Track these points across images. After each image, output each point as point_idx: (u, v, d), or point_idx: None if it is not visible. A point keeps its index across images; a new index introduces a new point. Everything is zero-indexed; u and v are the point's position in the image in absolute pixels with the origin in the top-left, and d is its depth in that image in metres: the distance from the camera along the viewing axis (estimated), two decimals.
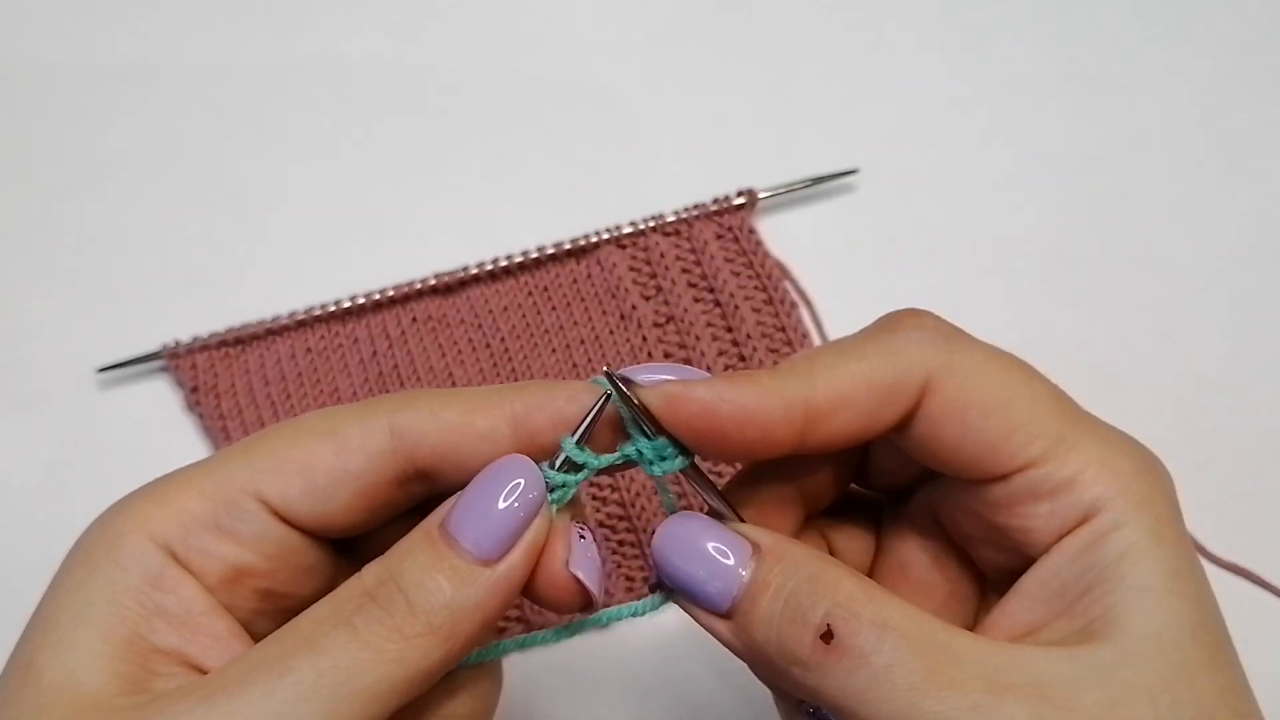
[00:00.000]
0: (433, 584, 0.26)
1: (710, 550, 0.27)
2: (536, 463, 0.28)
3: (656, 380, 0.27)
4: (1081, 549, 0.26)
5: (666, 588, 0.29)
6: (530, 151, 0.61)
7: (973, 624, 0.30)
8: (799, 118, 0.62)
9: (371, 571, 0.26)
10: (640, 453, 0.28)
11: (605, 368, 0.29)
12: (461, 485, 0.27)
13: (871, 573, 0.33)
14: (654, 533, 0.28)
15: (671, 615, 0.50)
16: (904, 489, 0.33)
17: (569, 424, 0.28)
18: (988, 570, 0.31)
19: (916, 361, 0.27)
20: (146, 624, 0.25)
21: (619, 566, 0.50)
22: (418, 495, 0.29)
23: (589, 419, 0.28)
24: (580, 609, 0.29)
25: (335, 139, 0.62)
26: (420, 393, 0.28)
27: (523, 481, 0.27)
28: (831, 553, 0.33)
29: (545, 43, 0.64)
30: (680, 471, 0.29)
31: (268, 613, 0.28)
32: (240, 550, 0.27)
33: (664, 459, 0.28)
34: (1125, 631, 0.25)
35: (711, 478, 0.30)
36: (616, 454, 0.28)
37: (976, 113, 0.62)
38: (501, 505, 0.26)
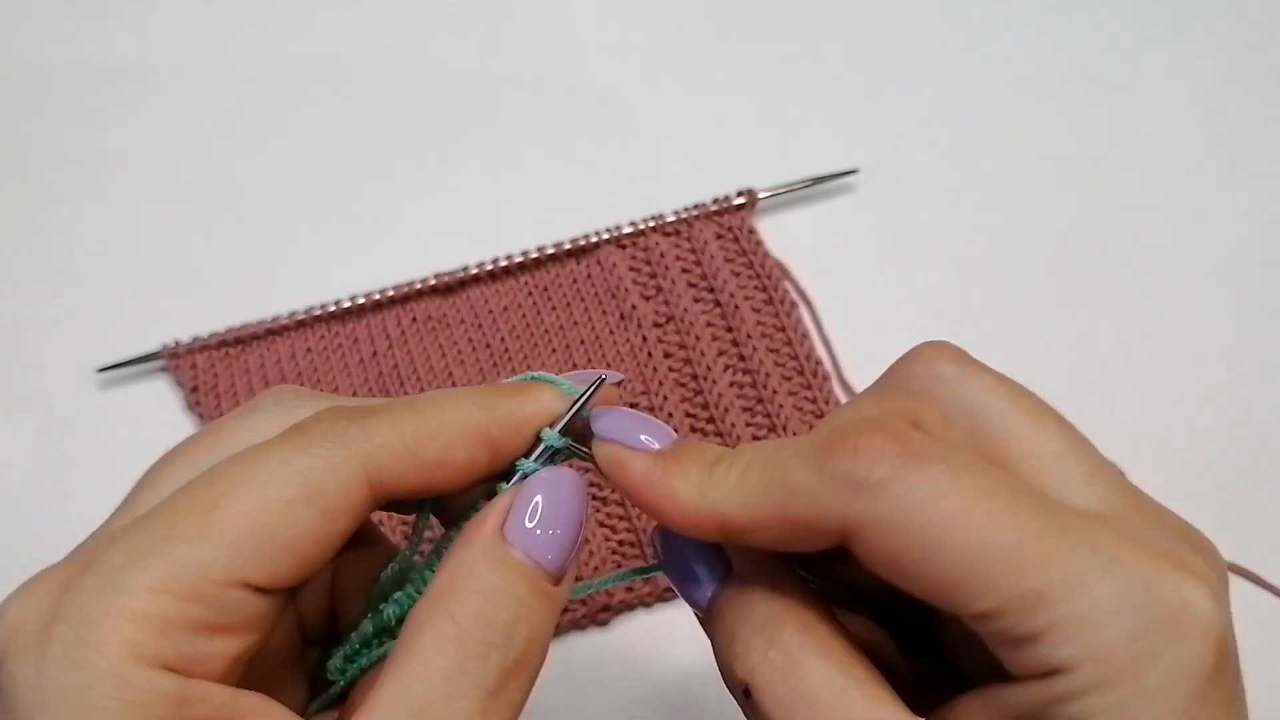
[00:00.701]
0: (539, 614, 0.25)
1: (691, 559, 0.27)
2: (515, 460, 0.27)
3: (611, 436, 0.27)
4: (1044, 699, 0.23)
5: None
6: (530, 151, 0.61)
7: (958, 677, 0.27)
8: (799, 118, 0.62)
9: (464, 614, 0.24)
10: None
11: (543, 434, 0.27)
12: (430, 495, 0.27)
13: None
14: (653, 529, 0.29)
15: (671, 616, 0.50)
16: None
17: (541, 425, 0.27)
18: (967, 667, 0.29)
19: (834, 509, 0.24)
20: None
21: (619, 566, 0.50)
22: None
23: (569, 415, 0.28)
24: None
25: (335, 139, 0.62)
26: (384, 419, 0.26)
27: (579, 496, 0.26)
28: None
29: (545, 43, 0.64)
30: None
31: (248, 667, 0.26)
32: (237, 640, 0.24)
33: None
34: None
35: None
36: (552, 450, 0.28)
37: (977, 113, 0.62)
38: (567, 519, 0.26)
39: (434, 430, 0.26)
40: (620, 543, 0.50)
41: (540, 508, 0.26)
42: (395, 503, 0.28)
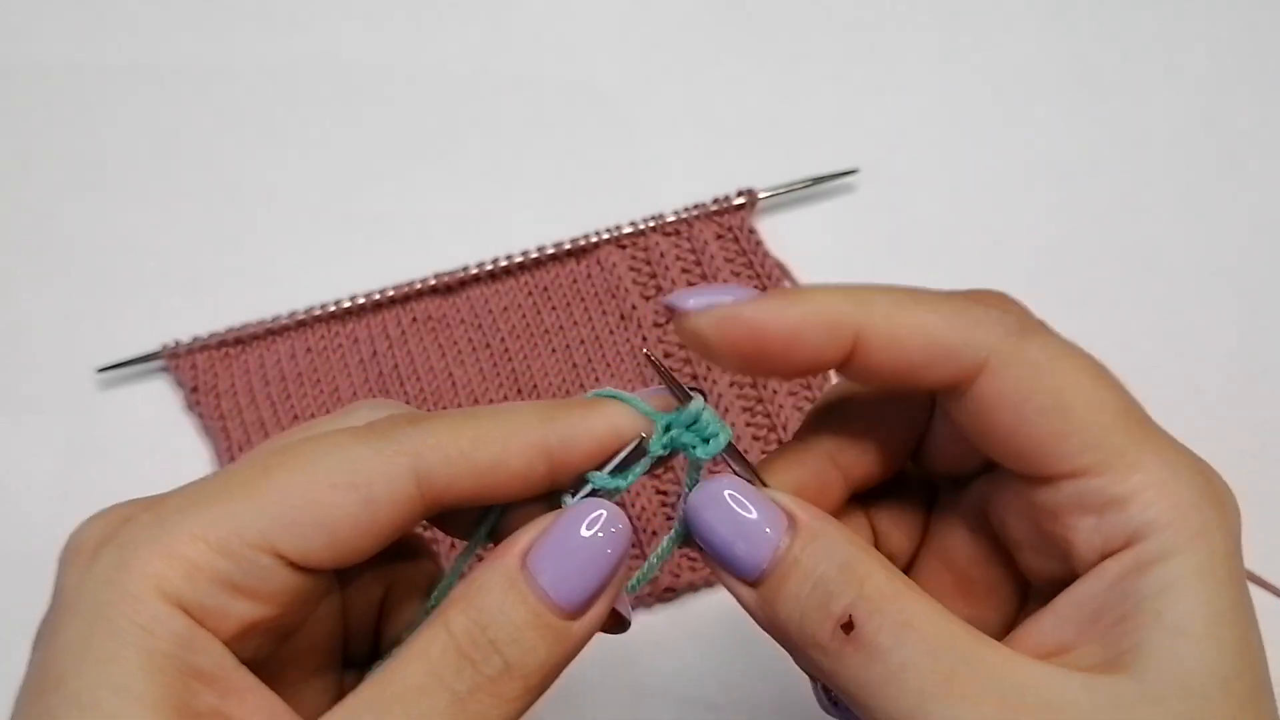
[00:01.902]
0: (529, 644, 0.25)
1: (746, 516, 0.27)
2: (560, 491, 0.27)
3: (706, 304, 0.26)
4: (1123, 574, 0.25)
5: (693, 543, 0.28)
6: (530, 152, 0.61)
7: (1009, 628, 0.28)
8: (799, 118, 0.62)
9: (459, 624, 0.25)
10: (685, 444, 0.27)
11: (645, 350, 0.27)
12: (486, 505, 0.27)
13: (915, 560, 0.32)
14: (682, 498, 0.28)
15: (672, 616, 0.50)
16: (960, 477, 0.31)
17: (605, 452, 0.27)
18: (1031, 577, 0.30)
19: (984, 337, 0.26)
20: (186, 689, 0.24)
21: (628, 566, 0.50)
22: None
23: (621, 458, 0.27)
24: (611, 630, 0.29)
25: (336, 139, 0.62)
26: (442, 424, 0.26)
27: (617, 531, 0.26)
28: (874, 534, 0.32)
29: (545, 43, 0.64)
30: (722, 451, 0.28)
31: (267, 647, 0.27)
32: (258, 606, 0.25)
33: (706, 440, 0.28)
34: (1152, 670, 0.24)
35: (750, 458, 0.30)
36: (648, 457, 0.28)
37: (976, 113, 0.62)
38: (592, 557, 0.26)
39: (490, 436, 0.26)
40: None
41: (568, 544, 0.26)
42: (457, 519, 0.29)
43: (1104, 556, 0.25)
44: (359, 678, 0.30)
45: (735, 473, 0.28)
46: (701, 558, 0.28)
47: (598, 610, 0.26)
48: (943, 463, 0.31)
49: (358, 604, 0.30)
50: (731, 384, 0.54)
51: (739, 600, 0.28)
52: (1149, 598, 0.25)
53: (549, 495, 0.28)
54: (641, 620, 0.50)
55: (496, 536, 0.29)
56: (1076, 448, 0.25)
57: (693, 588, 0.50)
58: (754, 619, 0.28)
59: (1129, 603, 0.25)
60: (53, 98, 0.63)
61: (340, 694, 0.29)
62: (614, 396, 0.28)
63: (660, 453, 0.28)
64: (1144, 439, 0.26)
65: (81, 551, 0.25)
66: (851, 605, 0.25)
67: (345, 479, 0.25)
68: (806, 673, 0.30)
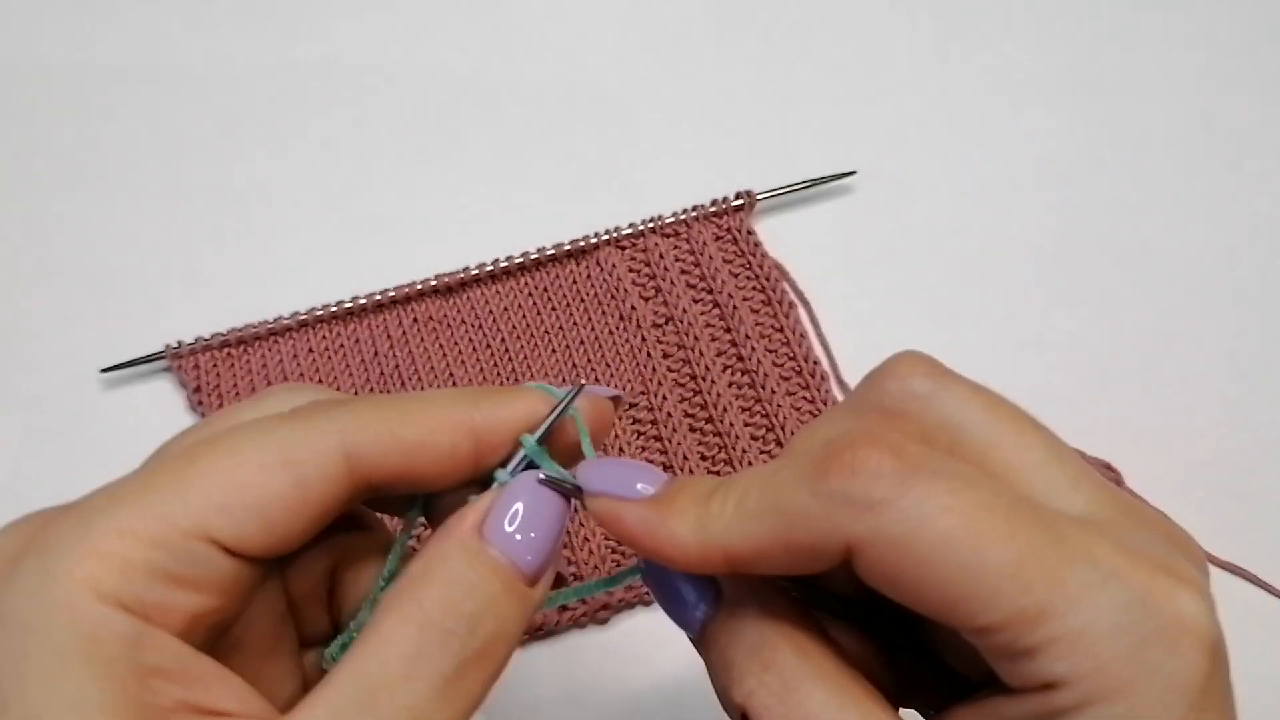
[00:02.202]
0: (507, 612, 0.25)
1: (679, 582, 0.27)
2: (490, 470, 0.27)
3: (599, 489, 0.27)
4: (1041, 713, 0.23)
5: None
6: (530, 153, 0.62)
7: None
8: (797, 119, 0.62)
9: (432, 601, 0.24)
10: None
11: (521, 439, 0.27)
12: (409, 492, 0.27)
13: None
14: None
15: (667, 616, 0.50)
16: None
17: (527, 429, 0.27)
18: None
19: (834, 529, 0.24)
20: (146, 689, 0.22)
21: (618, 565, 0.50)
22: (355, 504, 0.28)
23: (547, 425, 0.27)
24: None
25: (337, 141, 0.62)
26: (369, 405, 0.26)
27: (558, 503, 0.26)
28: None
29: (545, 46, 0.65)
30: None
31: (213, 637, 0.26)
32: (199, 596, 0.24)
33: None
34: None
35: None
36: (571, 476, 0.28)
37: (974, 115, 0.62)
38: (546, 525, 0.26)
39: (416, 415, 0.26)
40: (620, 542, 0.50)
41: (520, 511, 0.26)
42: (386, 501, 0.28)
43: (1027, 690, 0.23)
44: (318, 655, 0.29)
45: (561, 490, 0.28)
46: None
47: (550, 573, 0.26)
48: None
49: (303, 582, 0.29)
50: (730, 385, 0.54)
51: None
52: None
53: (477, 481, 0.28)
54: (642, 619, 0.50)
55: (433, 519, 0.29)
56: (968, 613, 0.23)
57: None
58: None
59: None
60: (56, 98, 0.64)
61: (301, 674, 0.29)
62: (540, 389, 0.28)
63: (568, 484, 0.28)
64: (1050, 584, 0.22)
65: None
66: (748, 696, 0.25)
67: (274, 459, 0.24)
68: None
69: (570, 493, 0.27)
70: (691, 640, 0.28)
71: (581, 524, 0.51)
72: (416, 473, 0.26)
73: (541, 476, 0.27)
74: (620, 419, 0.53)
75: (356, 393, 0.54)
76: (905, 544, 0.23)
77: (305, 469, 0.25)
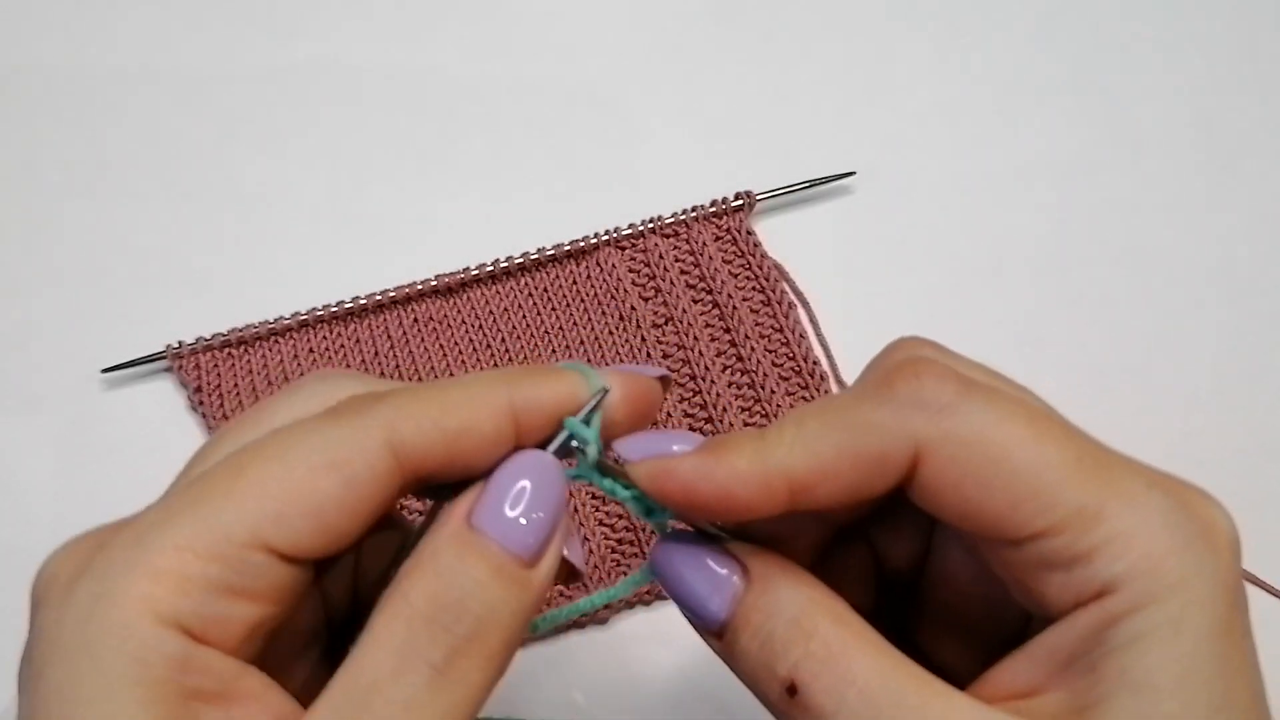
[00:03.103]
0: (496, 596, 0.24)
1: (702, 573, 0.27)
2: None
3: (643, 455, 0.27)
4: (1093, 626, 0.24)
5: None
6: (530, 154, 0.62)
7: (1019, 640, 0.27)
8: (796, 120, 0.62)
9: (418, 594, 0.24)
10: (636, 501, 0.27)
11: (565, 421, 0.26)
12: (461, 476, 0.26)
13: (920, 576, 0.31)
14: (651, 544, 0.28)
15: (672, 614, 0.50)
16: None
17: (567, 410, 0.27)
18: (1026, 607, 0.29)
19: (905, 433, 0.25)
20: (187, 711, 0.23)
21: (618, 565, 0.51)
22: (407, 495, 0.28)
23: (589, 409, 0.27)
24: (566, 581, 0.29)
25: (337, 141, 0.62)
26: (409, 397, 0.26)
27: (552, 476, 0.26)
28: (878, 555, 0.31)
29: (545, 46, 0.65)
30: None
31: (265, 646, 0.26)
32: (259, 606, 0.24)
33: (651, 512, 0.27)
34: None
35: None
36: (606, 479, 0.28)
37: (973, 116, 0.62)
38: (537, 502, 0.25)
39: (458, 402, 0.26)
40: (619, 541, 0.51)
41: (514, 494, 0.25)
42: (435, 488, 0.28)
43: (1077, 606, 0.24)
44: (344, 640, 0.29)
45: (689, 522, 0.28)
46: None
47: (551, 555, 0.26)
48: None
49: (336, 580, 0.29)
50: (730, 385, 0.54)
51: (709, 645, 0.28)
52: (1116, 650, 0.23)
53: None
54: (642, 619, 0.50)
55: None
56: (1029, 514, 0.24)
57: None
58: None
59: (1098, 653, 0.24)
60: (57, 99, 0.64)
61: (330, 669, 0.29)
62: (576, 368, 0.28)
63: (604, 490, 0.28)
64: (1104, 485, 0.24)
65: (54, 586, 0.24)
66: (794, 668, 0.24)
67: (323, 462, 0.24)
68: None
69: (617, 470, 0.27)
70: (708, 631, 0.27)
71: (580, 524, 0.51)
72: (462, 459, 0.26)
73: (547, 454, 0.26)
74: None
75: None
76: (974, 444, 0.24)
77: (354, 468, 0.24)
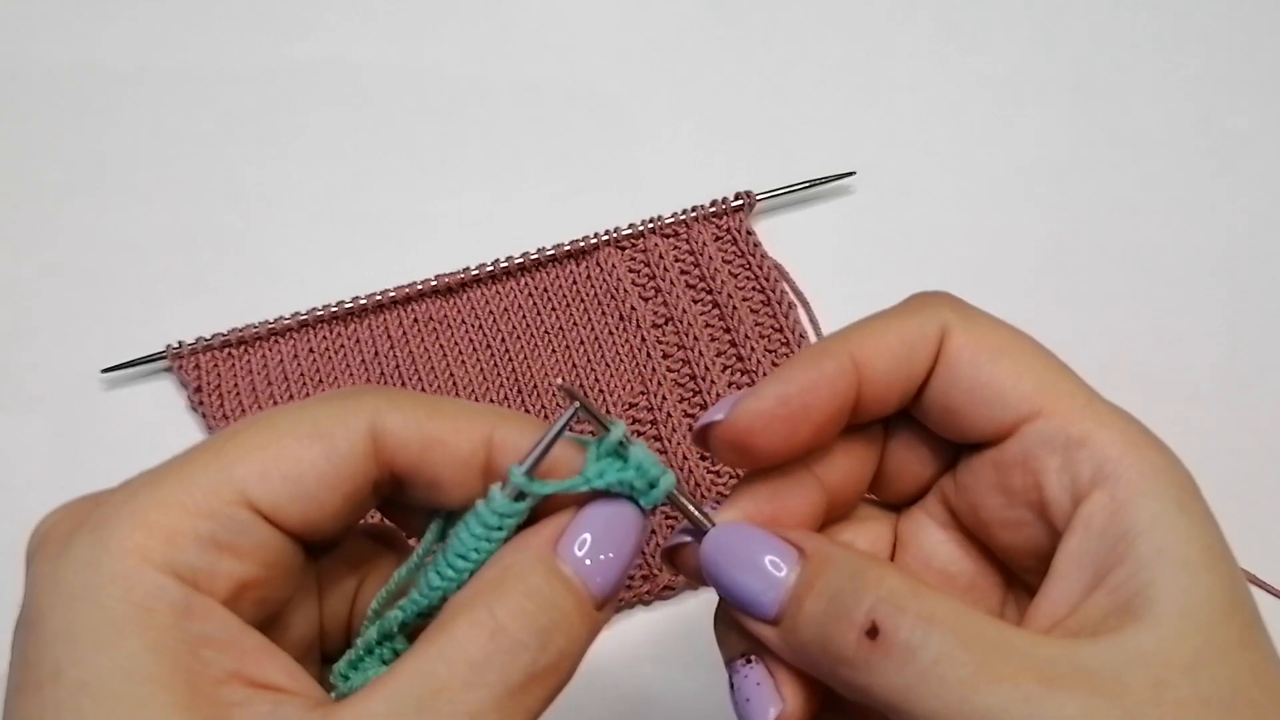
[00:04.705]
0: (577, 631, 0.25)
1: (758, 561, 0.27)
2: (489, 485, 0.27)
3: (708, 419, 0.28)
4: (1107, 518, 0.26)
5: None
6: (530, 154, 0.62)
7: (999, 618, 0.29)
8: (796, 121, 0.62)
9: (506, 612, 0.24)
10: (631, 485, 0.27)
11: (560, 382, 0.27)
12: (426, 498, 0.27)
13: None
14: (695, 536, 0.28)
15: (672, 615, 0.50)
16: (916, 494, 0.32)
17: (547, 461, 0.27)
18: (1010, 560, 0.30)
19: (936, 314, 0.29)
20: (196, 659, 0.23)
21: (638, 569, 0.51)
22: (379, 500, 0.28)
23: (539, 451, 0.27)
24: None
25: (338, 142, 0.62)
26: (400, 395, 0.27)
27: (634, 529, 0.27)
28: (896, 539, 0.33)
29: (545, 47, 0.65)
30: (667, 496, 0.28)
31: (257, 620, 0.26)
32: (244, 564, 0.25)
33: (652, 486, 0.27)
34: (1163, 609, 0.25)
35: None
36: (577, 479, 0.27)
37: (973, 116, 0.62)
38: (620, 550, 0.26)
39: (444, 414, 0.27)
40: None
41: (597, 533, 0.26)
42: (406, 517, 0.29)
43: (1075, 499, 0.27)
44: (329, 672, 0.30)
45: (688, 512, 0.29)
46: (721, 599, 0.29)
47: (615, 600, 0.27)
48: (898, 482, 0.32)
49: (333, 598, 0.30)
50: (730, 385, 0.54)
51: (761, 639, 0.28)
52: (1140, 535, 0.25)
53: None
54: (641, 618, 0.50)
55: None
56: (1030, 389, 0.27)
57: (691, 586, 0.50)
58: (779, 655, 0.28)
59: (1124, 543, 0.25)
60: (58, 99, 0.64)
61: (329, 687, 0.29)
62: (574, 397, 0.28)
63: (598, 487, 0.27)
64: (1087, 390, 0.28)
65: (49, 541, 0.25)
66: (872, 609, 0.25)
67: (307, 431, 0.25)
68: (728, 660, 0.30)
69: (698, 526, 0.28)
70: (762, 626, 0.27)
71: None
72: (430, 468, 0.27)
73: (632, 507, 0.27)
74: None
75: None
76: (990, 326, 0.29)
77: (335, 441, 0.26)
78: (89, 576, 0.23)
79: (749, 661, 0.28)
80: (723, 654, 0.30)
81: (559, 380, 0.28)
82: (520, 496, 0.27)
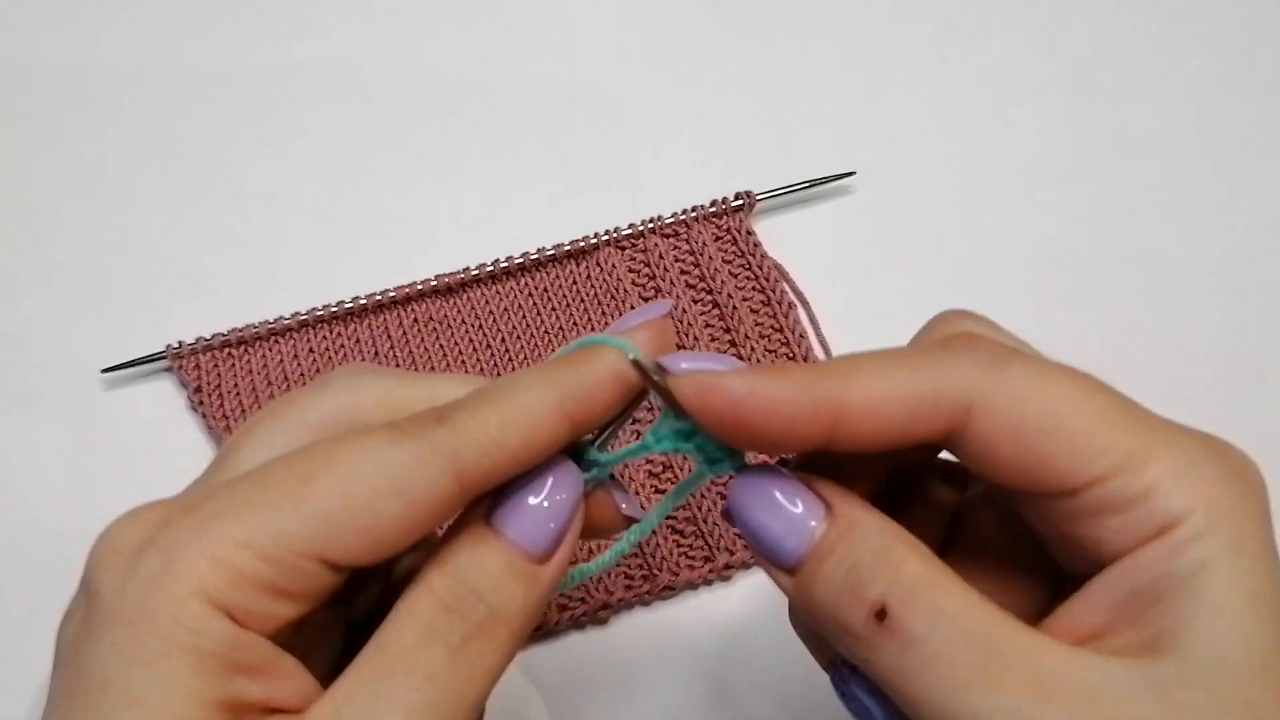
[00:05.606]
0: (508, 589, 0.26)
1: (787, 508, 0.27)
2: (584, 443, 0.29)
3: (690, 369, 0.28)
4: (1156, 558, 0.25)
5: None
6: (530, 154, 0.62)
7: (1045, 612, 0.28)
8: (796, 120, 0.62)
9: (440, 582, 0.26)
10: (699, 450, 0.29)
11: (633, 356, 0.28)
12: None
13: (946, 542, 0.32)
14: (729, 480, 0.29)
15: (672, 615, 0.50)
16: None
17: (614, 400, 0.28)
18: (1064, 566, 0.29)
19: (960, 382, 0.26)
20: (232, 683, 0.24)
21: (619, 564, 0.51)
22: None
23: (611, 428, 0.28)
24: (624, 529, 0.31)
25: (337, 141, 0.62)
26: (467, 415, 0.27)
27: (569, 481, 0.28)
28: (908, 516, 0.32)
29: (545, 47, 0.65)
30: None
31: (295, 632, 0.27)
32: (299, 607, 0.26)
33: (716, 461, 0.29)
34: (1192, 650, 0.24)
35: None
36: (637, 445, 0.29)
37: (973, 116, 0.62)
38: (551, 506, 0.27)
39: (514, 419, 0.27)
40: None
41: (531, 497, 0.28)
42: None
43: (1132, 547, 0.25)
44: (365, 605, 0.32)
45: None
46: (744, 543, 0.29)
47: (564, 551, 0.28)
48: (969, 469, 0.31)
49: (370, 575, 0.31)
50: None
51: (778, 585, 0.28)
52: (1185, 577, 0.24)
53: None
54: (642, 618, 0.50)
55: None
56: (1085, 461, 0.25)
57: (691, 586, 0.50)
58: (792, 604, 0.28)
59: (1164, 584, 0.24)
60: (58, 99, 0.64)
61: (351, 622, 0.31)
62: (598, 342, 0.29)
63: (664, 450, 0.29)
64: (1149, 432, 0.25)
65: (118, 553, 0.25)
66: (884, 593, 0.25)
67: (387, 485, 0.26)
68: (826, 664, 0.30)
69: (656, 385, 0.28)
70: (787, 560, 0.27)
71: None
72: (524, 467, 0.28)
73: (564, 459, 0.28)
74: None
75: None
76: (1028, 396, 0.25)
77: (417, 493, 0.26)
78: (151, 597, 0.24)
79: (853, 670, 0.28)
80: (816, 659, 0.30)
81: (633, 358, 0.28)
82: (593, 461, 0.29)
